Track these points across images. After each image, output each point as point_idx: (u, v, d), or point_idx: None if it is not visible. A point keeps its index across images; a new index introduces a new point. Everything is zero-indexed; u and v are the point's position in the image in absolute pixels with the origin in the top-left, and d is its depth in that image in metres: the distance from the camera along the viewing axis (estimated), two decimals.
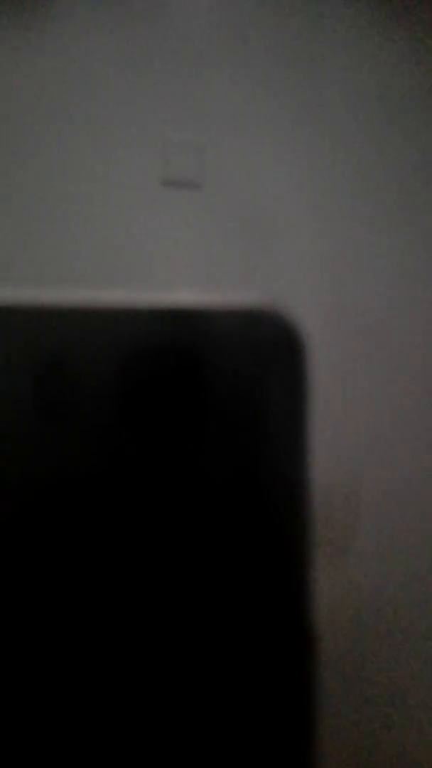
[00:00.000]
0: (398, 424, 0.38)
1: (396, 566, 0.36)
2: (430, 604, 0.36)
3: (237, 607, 0.22)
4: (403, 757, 0.35)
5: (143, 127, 0.42)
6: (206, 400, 0.22)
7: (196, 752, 0.22)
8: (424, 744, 0.35)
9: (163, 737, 0.22)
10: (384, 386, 0.38)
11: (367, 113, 0.42)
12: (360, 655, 0.35)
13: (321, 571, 0.27)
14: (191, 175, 0.42)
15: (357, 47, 0.43)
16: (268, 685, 0.22)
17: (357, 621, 0.35)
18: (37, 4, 0.43)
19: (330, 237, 0.40)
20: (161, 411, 0.22)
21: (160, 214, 0.41)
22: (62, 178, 0.41)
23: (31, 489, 0.21)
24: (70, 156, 0.41)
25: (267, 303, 0.22)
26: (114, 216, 0.41)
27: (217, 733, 0.22)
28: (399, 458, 0.37)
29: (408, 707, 0.35)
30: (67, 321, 0.22)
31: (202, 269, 0.39)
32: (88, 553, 0.21)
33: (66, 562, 0.21)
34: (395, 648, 0.36)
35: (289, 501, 0.22)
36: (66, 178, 0.41)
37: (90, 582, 0.21)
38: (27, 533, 0.21)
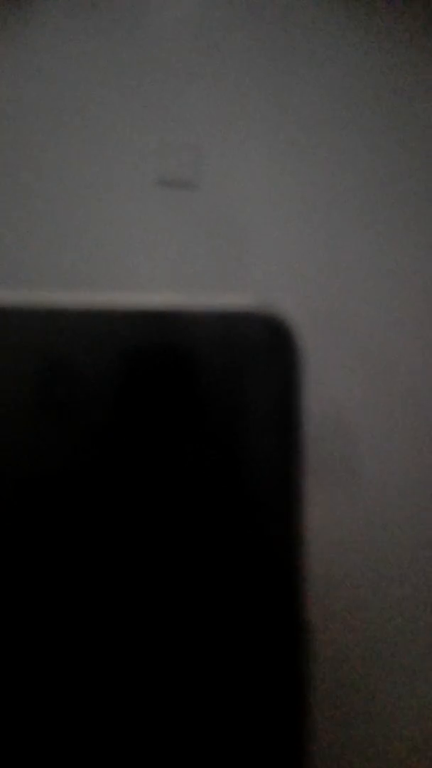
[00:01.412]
0: (394, 423, 0.38)
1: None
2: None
3: (230, 600, 0.22)
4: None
5: (139, 129, 0.42)
6: (201, 400, 0.22)
7: (186, 745, 0.22)
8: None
9: (151, 726, 0.22)
10: (376, 384, 0.38)
11: (357, 116, 0.42)
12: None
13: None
14: (187, 176, 0.42)
15: (352, 49, 0.43)
16: (260, 672, 0.22)
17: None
18: (32, 6, 0.43)
19: (325, 240, 0.40)
20: (156, 411, 0.22)
21: (156, 215, 0.41)
22: (57, 180, 0.41)
23: (30, 485, 0.22)
24: (65, 157, 0.41)
25: (261, 305, 0.22)
26: (110, 217, 0.40)
27: (209, 720, 0.22)
28: (397, 441, 0.37)
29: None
30: (64, 322, 0.22)
31: (198, 270, 0.39)
32: (86, 548, 0.22)
33: (63, 559, 0.22)
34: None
35: (282, 498, 0.22)
36: (61, 180, 0.41)
37: (88, 575, 0.22)
38: (26, 530, 0.22)
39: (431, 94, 0.43)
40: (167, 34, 0.43)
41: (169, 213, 0.40)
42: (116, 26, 0.43)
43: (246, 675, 0.22)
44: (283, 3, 0.44)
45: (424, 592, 0.36)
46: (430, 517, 0.37)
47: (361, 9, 0.43)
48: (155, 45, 0.43)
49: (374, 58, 0.43)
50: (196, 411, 0.22)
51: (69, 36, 0.43)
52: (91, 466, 0.22)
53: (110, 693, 0.22)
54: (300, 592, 0.22)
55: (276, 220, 0.40)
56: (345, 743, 0.34)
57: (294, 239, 0.40)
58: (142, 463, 0.22)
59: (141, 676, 0.22)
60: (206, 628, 0.22)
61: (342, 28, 0.43)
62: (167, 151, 0.41)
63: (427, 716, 0.35)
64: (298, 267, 0.39)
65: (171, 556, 0.22)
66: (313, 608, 0.23)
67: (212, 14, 0.43)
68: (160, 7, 0.43)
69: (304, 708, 0.22)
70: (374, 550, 0.36)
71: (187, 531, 0.22)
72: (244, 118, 0.42)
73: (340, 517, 0.36)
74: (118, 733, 0.22)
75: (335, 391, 0.37)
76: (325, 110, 0.42)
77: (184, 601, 0.22)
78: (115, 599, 0.22)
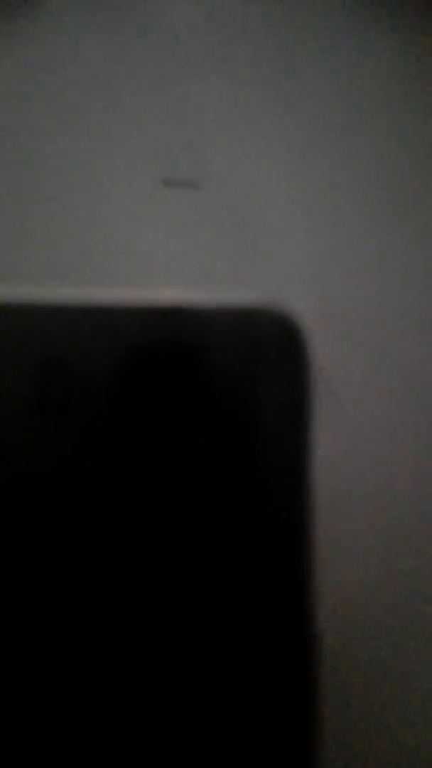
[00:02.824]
0: (404, 420, 0.38)
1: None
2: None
3: (235, 602, 0.21)
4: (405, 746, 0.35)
5: (142, 128, 0.42)
6: (205, 397, 0.21)
7: (192, 756, 0.21)
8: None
9: (154, 736, 0.21)
10: (382, 382, 0.38)
11: (362, 114, 0.42)
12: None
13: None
14: (190, 175, 0.42)
15: (353, 48, 0.43)
16: (267, 676, 0.22)
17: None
18: (34, 5, 0.43)
19: (328, 236, 0.40)
20: (160, 409, 0.21)
21: (159, 214, 0.40)
22: (60, 178, 0.40)
23: (28, 485, 0.21)
24: (68, 155, 0.41)
25: (267, 301, 0.22)
26: (112, 215, 0.40)
27: (216, 733, 0.21)
28: (398, 454, 0.37)
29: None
30: (65, 319, 0.21)
31: (201, 268, 0.39)
32: (86, 550, 0.21)
33: (61, 561, 0.21)
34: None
35: (291, 499, 0.21)
36: (64, 178, 0.41)
37: (88, 579, 0.21)
38: (24, 529, 0.21)
39: None
40: (171, 31, 0.43)
41: (175, 211, 0.40)
42: (119, 25, 0.43)
43: (252, 680, 0.21)
44: (289, 1, 0.44)
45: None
46: None
47: (370, 6, 0.43)
48: (159, 43, 0.43)
49: (383, 54, 0.43)
50: (202, 409, 0.21)
51: (72, 34, 0.43)
52: (97, 467, 0.21)
53: (113, 700, 0.21)
54: (309, 599, 0.21)
55: (282, 217, 0.40)
56: (353, 752, 0.34)
57: (301, 236, 0.39)
58: (149, 463, 0.21)
59: (144, 683, 0.21)
60: (214, 627, 0.21)
61: (349, 24, 0.43)
62: (171, 150, 0.41)
63: None
64: (306, 264, 0.39)
65: (177, 561, 0.21)
66: (321, 612, 0.22)
67: (216, 12, 0.43)
68: (164, 5, 0.43)
69: (313, 715, 0.22)
70: (381, 550, 0.36)
71: (194, 534, 0.21)
72: (250, 116, 0.42)
73: (347, 524, 0.36)
74: (123, 737, 0.21)
75: (343, 387, 0.37)
76: (332, 106, 0.42)
77: (190, 604, 0.21)
78: (117, 603, 0.21)
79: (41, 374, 0.21)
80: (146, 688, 0.21)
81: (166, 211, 0.40)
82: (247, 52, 0.43)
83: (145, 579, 0.21)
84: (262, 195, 0.41)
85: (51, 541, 0.21)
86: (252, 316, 0.22)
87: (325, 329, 0.37)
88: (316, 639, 0.22)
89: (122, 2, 0.43)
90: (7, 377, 0.21)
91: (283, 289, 0.37)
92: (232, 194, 0.40)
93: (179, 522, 0.21)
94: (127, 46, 0.42)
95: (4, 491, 0.21)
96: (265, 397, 0.21)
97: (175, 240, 0.39)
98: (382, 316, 0.38)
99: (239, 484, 0.21)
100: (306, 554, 0.21)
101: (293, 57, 0.43)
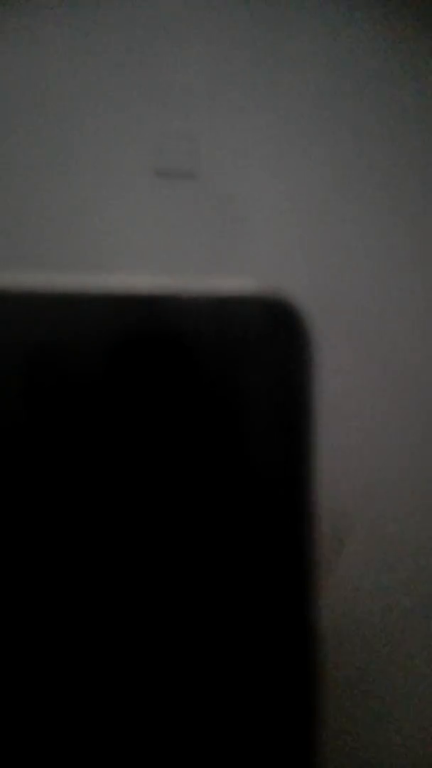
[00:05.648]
0: (398, 417, 0.37)
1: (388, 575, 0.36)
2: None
3: (234, 604, 0.21)
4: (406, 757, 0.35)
5: (137, 118, 0.42)
6: (203, 386, 0.21)
7: (194, 754, 0.21)
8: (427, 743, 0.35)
9: (159, 737, 0.21)
10: (382, 371, 0.38)
11: (359, 100, 0.42)
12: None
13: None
14: (185, 165, 0.41)
15: (348, 32, 0.43)
16: (268, 682, 0.21)
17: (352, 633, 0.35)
18: None
19: (325, 226, 0.40)
20: (155, 399, 0.21)
21: (154, 204, 0.40)
22: (55, 167, 0.40)
23: (18, 475, 0.21)
24: (63, 145, 0.40)
25: (268, 288, 0.22)
26: (107, 205, 0.40)
27: (216, 732, 0.21)
28: (396, 460, 0.37)
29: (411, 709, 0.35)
30: (59, 306, 0.21)
31: (197, 258, 0.39)
32: (79, 544, 0.21)
33: (55, 555, 0.21)
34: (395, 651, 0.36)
35: (290, 493, 0.21)
36: (59, 167, 0.40)
37: (84, 574, 0.21)
38: (14, 520, 0.21)
39: None
40: (164, 21, 0.43)
41: (171, 200, 0.40)
42: (113, 13, 0.43)
43: (252, 678, 0.21)
44: None
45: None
46: None
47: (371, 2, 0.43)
48: (152, 32, 0.43)
49: (379, 37, 0.42)
50: (196, 402, 0.21)
51: (65, 25, 0.42)
52: (86, 455, 0.21)
53: (110, 696, 0.21)
54: (310, 598, 0.21)
55: (279, 205, 0.39)
56: (354, 753, 0.34)
57: (298, 224, 0.39)
58: (140, 454, 0.21)
59: (143, 679, 0.21)
60: (213, 622, 0.21)
61: (343, 7, 0.43)
62: (165, 140, 0.41)
63: None
64: (304, 252, 0.38)
65: (172, 556, 0.21)
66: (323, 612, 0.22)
67: (212, 5, 0.43)
68: None
69: (313, 714, 0.21)
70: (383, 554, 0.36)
71: (189, 527, 0.21)
72: (245, 104, 0.41)
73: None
74: (122, 735, 0.21)
75: (345, 377, 0.37)
76: (328, 93, 0.42)
77: (190, 602, 0.21)
78: (112, 599, 0.21)
79: (34, 362, 0.21)
80: (145, 685, 0.21)
81: (162, 201, 0.40)
82: (242, 41, 0.43)
83: (141, 573, 0.21)
84: (258, 183, 0.40)
85: (42, 530, 0.21)
86: (250, 303, 0.21)
87: (323, 318, 0.36)
88: (317, 637, 0.21)
89: None
90: None
91: (282, 276, 0.37)
92: (228, 183, 0.40)
93: (173, 515, 0.21)
94: (119, 36, 0.42)
95: None
96: (265, 385, 0.21)
97: (171, 229, 0.39)
98: (380, 303, 0.38)
99: (238, 476, 0.21)
100: (306, 549, 0.21)
101: (288, 44, 0.43)
